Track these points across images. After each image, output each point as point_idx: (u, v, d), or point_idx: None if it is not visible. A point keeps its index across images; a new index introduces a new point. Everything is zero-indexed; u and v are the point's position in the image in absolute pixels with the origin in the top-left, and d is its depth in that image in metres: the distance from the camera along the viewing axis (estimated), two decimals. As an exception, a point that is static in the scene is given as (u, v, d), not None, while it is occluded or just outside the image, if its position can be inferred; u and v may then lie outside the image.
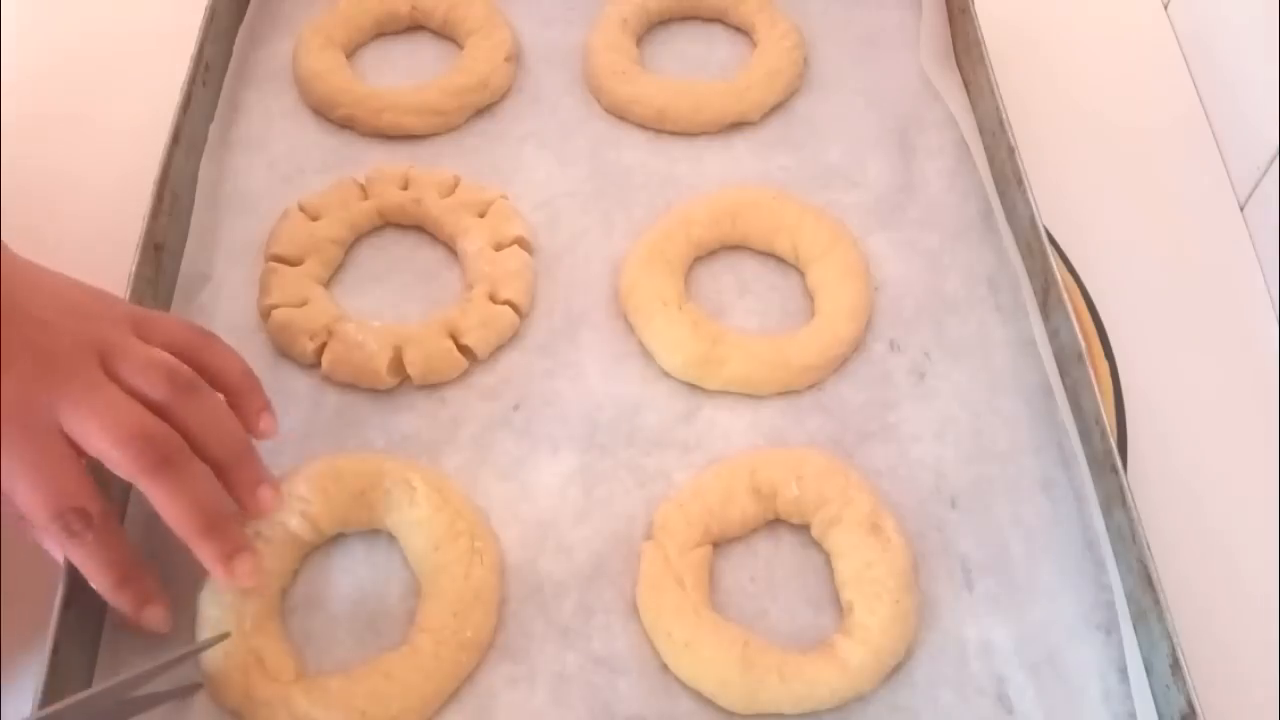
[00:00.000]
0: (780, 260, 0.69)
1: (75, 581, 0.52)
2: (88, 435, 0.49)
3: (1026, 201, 0.66)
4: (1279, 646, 0.58)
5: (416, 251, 0.69)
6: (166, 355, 0.52)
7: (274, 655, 0.52)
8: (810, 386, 0.63)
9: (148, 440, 0.49)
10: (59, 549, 0.50)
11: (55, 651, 0.50)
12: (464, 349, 0.63)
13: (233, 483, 0.52)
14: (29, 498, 0.49)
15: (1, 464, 0.48)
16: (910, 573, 0.55)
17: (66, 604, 0.51)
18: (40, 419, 0.49)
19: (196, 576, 0.53)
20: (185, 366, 0.52)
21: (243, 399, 0.55)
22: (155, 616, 0.52)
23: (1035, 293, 0.65)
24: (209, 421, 0.52)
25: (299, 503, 0.55)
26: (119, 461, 0.49)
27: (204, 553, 0.50)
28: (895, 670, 0.53)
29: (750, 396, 0.63)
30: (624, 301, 0.65)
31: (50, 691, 0.49)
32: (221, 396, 0.53)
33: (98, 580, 0.50)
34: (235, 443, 0.53)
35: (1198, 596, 0.57)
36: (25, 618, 0.56)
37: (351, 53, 0.78)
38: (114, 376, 0.51)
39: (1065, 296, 0.62)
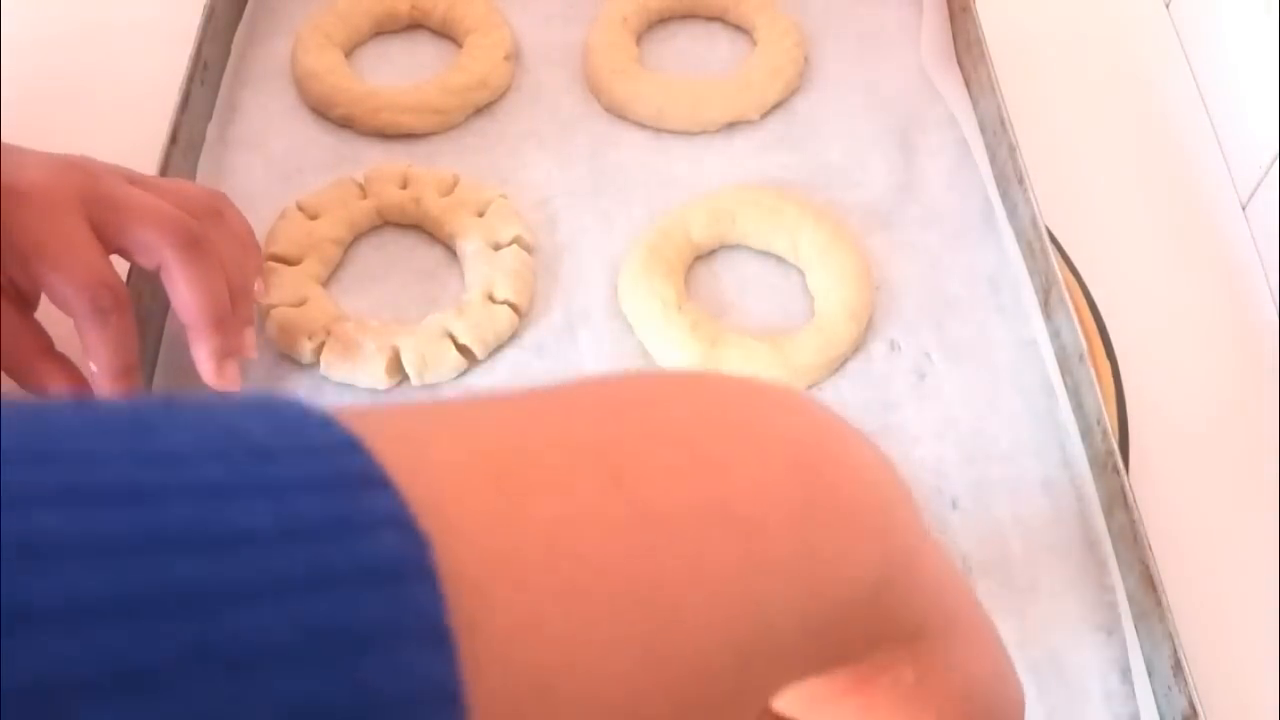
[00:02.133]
0: (780, 260, 0.68)
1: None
2: (122, 219, 0.50)
3: (1028, 200, 0.66)
4: (1281, 648, 0.58)
5: (415, 251, 0.69)
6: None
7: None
8: (810, 386, 0.63)
9: (184, 223, 0.50)
10: (86, 326, 0.50)
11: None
12: (463, 349, 0.63)
13: None
14: (61, 274, 0.49)
15: (29, 246, 0.48)
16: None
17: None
18: (70, 204, 0.50)
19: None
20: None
21: (245, 259, 0.56)
22: None
23: (1037, 292, 0.65)
24: (229, 246, 0.53)
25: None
26: (154, 239, 0.50)
27: (208, 346, 0.51)
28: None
29: (750, 396, 0.62)
30: (623, 301, 0.65)
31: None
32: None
33: (106, 362, 0.50)
34: (244, 277, 0.54)
35: (1200, 597, 0.57)
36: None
37: (350, 51, 0.78)
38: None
39: (1067, 296, 0.62)
